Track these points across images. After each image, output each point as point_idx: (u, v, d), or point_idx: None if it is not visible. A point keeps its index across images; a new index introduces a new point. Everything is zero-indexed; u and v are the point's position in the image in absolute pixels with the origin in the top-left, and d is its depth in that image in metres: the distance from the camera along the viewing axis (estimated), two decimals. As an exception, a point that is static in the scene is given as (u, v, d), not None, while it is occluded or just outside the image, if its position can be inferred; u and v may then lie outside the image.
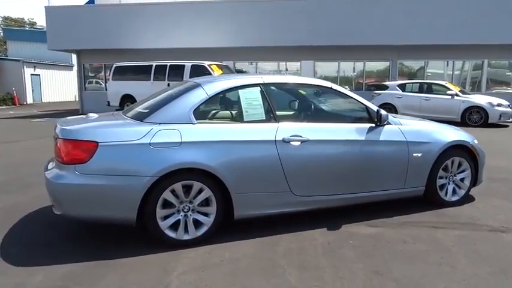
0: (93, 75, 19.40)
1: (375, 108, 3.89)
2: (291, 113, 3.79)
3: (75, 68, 32.30)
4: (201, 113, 3.34)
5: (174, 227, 3.22)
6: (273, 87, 3.68)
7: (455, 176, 4.30)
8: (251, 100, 3.50)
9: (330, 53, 16.23)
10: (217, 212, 3.30)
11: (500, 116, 12.01)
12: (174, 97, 3.44)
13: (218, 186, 3.26)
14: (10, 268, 2.91)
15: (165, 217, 3.18)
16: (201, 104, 3.36)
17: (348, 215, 3.91)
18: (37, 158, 7.15)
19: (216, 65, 13.95)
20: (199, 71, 13.63)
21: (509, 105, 12.32)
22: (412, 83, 14.02)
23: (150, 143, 3.08)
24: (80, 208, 3.06)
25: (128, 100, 14.99)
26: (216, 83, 3.53)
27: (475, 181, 4.40)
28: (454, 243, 3.35)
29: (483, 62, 15.92)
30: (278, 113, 3.57)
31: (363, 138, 3.76)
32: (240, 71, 15.52)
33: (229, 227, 3.48)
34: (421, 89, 13.40)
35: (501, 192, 4.82)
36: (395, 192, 3.97)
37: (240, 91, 3.52)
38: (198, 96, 3.38)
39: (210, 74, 13.28)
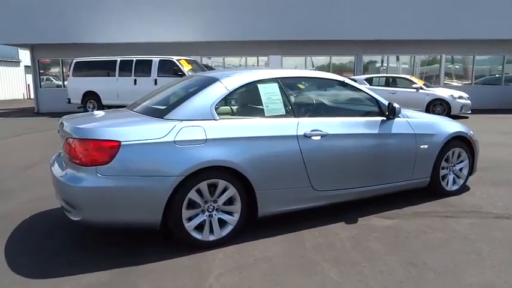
0: (42, 71, 18.20)
1: (385, 101, 3.93)
2: (308, 107, 3.75)
3: (22, 64, 30.52)
4: (222, 109, 3.21)
5: (199, 228, 3.08)
6: (289, 82, 3.61)
7: (454, 166, 4.46)
8: (270, 95, 3.42)
9: (298, 48, 16.35)
10: (241, 211, 3.20)
11: (462, 108, 12.68)
12: (193, 93, 3.28)
13: (242, 184, 3.16)
14: (28, 281, 2.65)
15: (190, 218, 3.04)
16: (222, 100, 3.23)
17: (358, 208, 3.93)
18: (4, 162, 6.65)
19: (185, 60, 13.64)
20: (168, 67, 13.28)
21: (468, 98, 13.02)
22: (379, 76, 14.48)
23: (174, 141, 2.92)
24: (102, 212, 2.85)
25: (90, 97, 14.34)
26: (235, 78, 3.40)
27: (471, 170, 4.59)
28: (469, 231, 3.46)
29: (441, 56, 16.70)
30: (296, 107, 3.51)
31: (376, 131, 3.79)
32: (207, 66, 15.22)
33: (248, 225, 3.38)
34: (387, 83, 13.86)
35: (489, 180, 5.05)
36: (405, 183, 4.05)
37: (259, 85, 3.43)
38: (218, 92, 3.25)
39: (179, 69, 12.96)
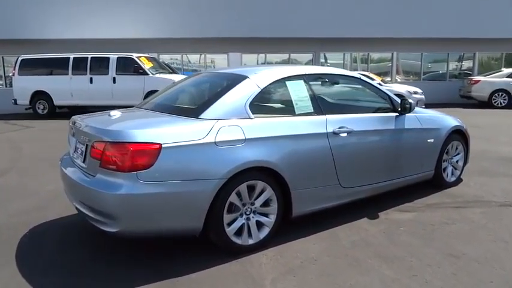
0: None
1: (396, 97, 4.02)
2: (333, 104, 3.72)
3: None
4: (255, 107, 3.09)
5: (237, 232, 2.95)
6: (313, 78, 3.56)
7: (452, 158, 4.66)
8: (298, 92, 3.35)
9: (257, 45, 16.34)
10: (278, 212, 3.10)
11: (417, 102, 13.34)
12: (223, 90, 3.12)
13: (278, 184, 3.07)
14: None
15: (230, 223, 2.89)
16: (254, 97, 3.10)
17: (371, 203, 3.95)
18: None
19: (145, 57, 13.11)
20: (128, 64, 12.70)
21: (422, 93, 13.78)
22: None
23: (215, 142, 2.76)
24: (144, 222, 2.62)
25: (40, 97, 13.31)
26: (264, 74, 3.29)
27: (465, 162, 4.83)
28: (485, 220, 3.63)
29: (393, 54, 17.51)
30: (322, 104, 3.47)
31: (393, 127, 3.86)
32: (166, 65, 14.74)
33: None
34: (347, 80, 14.25)
35: (474, 170, 5.33)
36: (416, 176, 4.17)
37: (287, 82, 3.34)
38: (250, 89, 3.12)
39: (139, 67, 12.45)
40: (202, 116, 2.89)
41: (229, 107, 2.97)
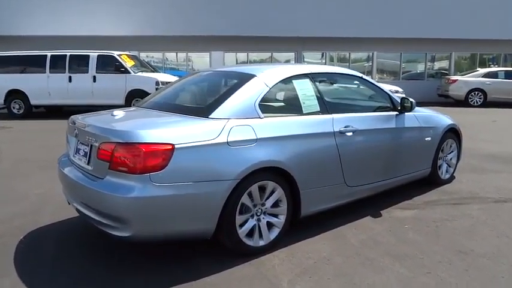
0: None
1: (395, 96, 4.05)
2: (337, 103, 3.72)
3: None
4: (264, 106, 3.04)
5: (249, 233, 2.90)
6: (318, 77, 3.54)
7: (446, 156, 4.75)
8: (305, 91, 3.33)
9: (240, 44, 16.28)
10: (287, 212, 3.07)
11: (398, 101, 13.61)
12: (232, 89, 3.06)
13: (288, 184, 3.04)
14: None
15: (241, 224, 2.84)
16: (263, 96, 3.06)
17: (371, 202, 3.96)
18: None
19: (127, 55, 12.83)
20: (108, 62, 12.38)
21: (403, 92, 14.02)
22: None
23: (227, 142, 2.70)
24: (156, 225, 2.54)
25: (16, 96, 12.80)
26: (271, 73, 3.25)
27: (457, 160, 4.93)
28: (484, 216, 3.71)
29: (373, 53, 17.78)
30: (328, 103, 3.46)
31: (394, 125, 3.89)
32: (147, 63, 14.49)
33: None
34: (329, 79, 14.38)
35: (466, 168, 5.46)
36: (414, 174, 4.23)
37: (294, 81, 3.32)
38: (258, 88, 3.07)
39: (121, 65, 12.17)
40: (212, 115, 2.83)
41: (239, 106, 2.92)
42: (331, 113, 3.39)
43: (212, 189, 2.62)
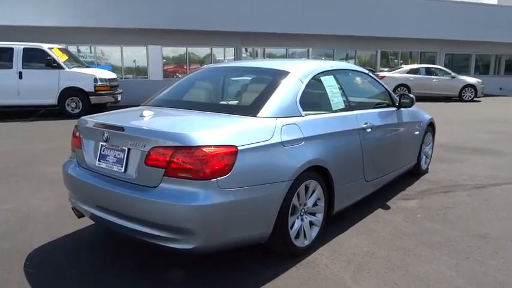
0: None
1: (392, 93, 4.27)
2: (356, 100, 3.77)
3: None
4: (302, 104, 3.00)
5: (296, 234, 2.85)
6: (339, 74, 3.57)
7: (424, 148, 5.12)
8: (332, 87, 3.35)
9: (178, 38, 15.76)
10: (324, 210, 3.08)
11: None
12: (271, 86, 2.95)
13: (325, 182, 3.04)
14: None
15: (291, 225, 2.78)
16: (302, 93, 3.01)
17: (373, 195, 4.04)
18: None
19: (58, 48, 11.69)
20: (37, 56, 11.18)
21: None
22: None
23: (282, 142, 2.62)
24: (223, 234, 2.37)
25: None
26: (303, 69, 3.22)
27: (432, 151, 5.35)
28: (477, 202, 4.07)
29: (308, 49, 18.41)
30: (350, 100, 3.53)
31: (396, 120, 4.09)
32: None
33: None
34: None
35: (433, 159, 5.90)
36: (408, 166, 4.52)
37: (322, 78, 3.31)
38: (296, 85, 3.02)
39: (53, 59, 11.04)
40: (260, 114, 2.71)
41: (283, 104, 2.84)
42: (352, 110, 3.46)
43: (272, 192, 2.53)
